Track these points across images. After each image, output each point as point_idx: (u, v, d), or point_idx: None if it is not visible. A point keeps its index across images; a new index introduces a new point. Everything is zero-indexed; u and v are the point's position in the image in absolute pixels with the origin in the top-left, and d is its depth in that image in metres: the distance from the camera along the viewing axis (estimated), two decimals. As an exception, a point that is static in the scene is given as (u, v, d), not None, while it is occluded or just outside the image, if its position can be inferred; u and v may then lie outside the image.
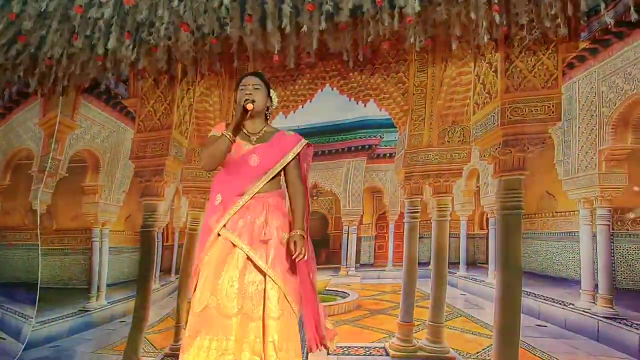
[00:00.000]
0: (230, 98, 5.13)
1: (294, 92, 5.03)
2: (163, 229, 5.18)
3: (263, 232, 2.68)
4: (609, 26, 3.92)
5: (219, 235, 2.69)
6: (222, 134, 2.70)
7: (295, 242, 2.62)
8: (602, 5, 3.82)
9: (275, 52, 4.25)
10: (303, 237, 2.67)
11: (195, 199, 5.09)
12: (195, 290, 2.66)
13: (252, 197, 2.72)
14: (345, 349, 4.31)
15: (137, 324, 4.98)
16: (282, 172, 2.84)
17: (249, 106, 2.71)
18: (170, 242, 5.17)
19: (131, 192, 5.37)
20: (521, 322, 3.96)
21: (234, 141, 2.72)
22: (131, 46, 4.67)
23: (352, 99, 4.86)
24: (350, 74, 4.85)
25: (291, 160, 2.82)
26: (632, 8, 3.73)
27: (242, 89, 2.81)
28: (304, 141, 2.88)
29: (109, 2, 4.60)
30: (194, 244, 4.95)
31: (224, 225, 2.69)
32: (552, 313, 3.97)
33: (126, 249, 5.32)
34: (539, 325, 3.98)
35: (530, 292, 4.02)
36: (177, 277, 5.02)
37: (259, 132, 2.86)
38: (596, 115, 4.02)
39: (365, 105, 4.85)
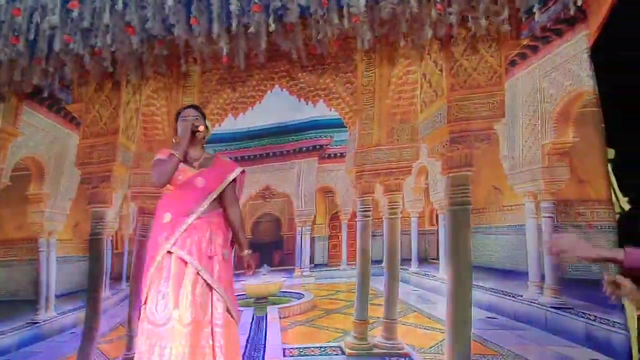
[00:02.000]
0: (178, 100, 5.06)
1: (243, 94, 5.00)
2: (112, 236, 5.06)
3: (209, 249, 3.00)
4: (548, 24, 4.05)
5: (169, 252, 2.96)
6: (172, 153, 3.01)
7: (249, 263, 3.17)
8: (536, 7, 3.94)
9: (224, 53, 4.19)
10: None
11: (144, 204, 4.99)
12: (147, 302, 2.93)
13: (198, 217, 3.02)
14: (301, 349, 4.31)
15: (88, 334, 4.84)
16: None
17: (201, 128, 3.14)
18: (120, 249, 5.06)
19: (78, 199, 5.21)
20: (472, 315, 4.03)
21: (181, 160, 3.03)
22: (75, 50, 4.54)
23: (302, 99, 4.86)
24: (299, 74, 4.86)
25: (230, 184, 3.17)
26: (571, 4, 3.86)
27: (183, 120, 3.16)
28: (240, 168, 3.26)
29: (54, 6, 4.46)
30: (144, 251, 4.87)
31: (174, 243, 2.96)
32: (501, 305, 4.06)
33: (75, 258, 5.17)
34: (489, 318, 4.06)
35: (480, 286, 4.10)
36: (128, 284, 4.92)
37: (199, 158, 3.19)
38: (538, 111, 4.13)
39: (314, 106, 4.86)
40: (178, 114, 3.27)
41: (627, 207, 3.84)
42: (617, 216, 3.86)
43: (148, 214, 4.95)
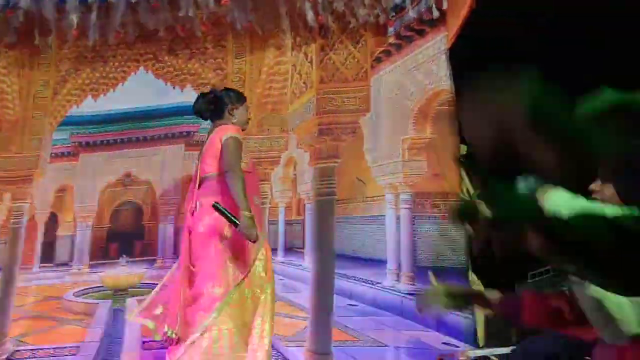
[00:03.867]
0: (32, 77, 4.67)
1: (104, 74, 4.70)
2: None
3: None
4: (412, 23, 4.24)
5: None
6: None
7: None
8: (408, 1, 4.12)
9: (75, 27, 3.92)
10: None
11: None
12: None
13: None
14: (160, 342, 4.17)
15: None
16: None
17: None
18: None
19: None
20: (334, 302, 4.13)
21: None
22: None
23: (169, 83, 4.68)
24: (166, 57, 4.66)
25: None
26: (433, 6, 4.06)
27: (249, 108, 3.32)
28: None
29: None
30: (17, 239, 4.46)
31: None
32: (362, 292, 4.21)
33: None
34: (350, 305, 4.19)
35: (342, 274, 4.22)
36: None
37: None
38: (400, 107, 4.31)
39: (182, 91, 4.70)
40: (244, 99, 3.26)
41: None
42: (468, 208, 4.14)
43: (21, 199, 4.53)
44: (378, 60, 4.40)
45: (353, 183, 4.40)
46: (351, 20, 4.27)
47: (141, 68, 4.69)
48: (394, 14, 4.33)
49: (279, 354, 4.07)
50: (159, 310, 3.01)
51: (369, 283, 4.21)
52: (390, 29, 4.37)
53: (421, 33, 4.29)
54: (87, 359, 4.01)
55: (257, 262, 3.01)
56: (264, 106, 4.66)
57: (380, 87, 4.39)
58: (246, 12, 4.23)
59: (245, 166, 3.03)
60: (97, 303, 4.47)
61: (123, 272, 4.55)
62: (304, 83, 4.53)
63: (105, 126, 4.74)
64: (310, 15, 4.16)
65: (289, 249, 4.57)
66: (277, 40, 4.56)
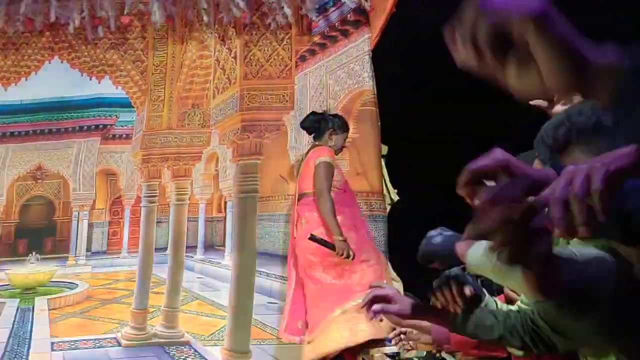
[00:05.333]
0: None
1: (16, 62, 4.44)
2: None
3: None
4: (336, 24, 4.29)
5: None
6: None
7: None
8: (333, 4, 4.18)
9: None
10: None
11: None
12: None
13: None
14: (71, 343, 4.01)
15: None
16: None
17: None
18: None
19: None
20: (254, 300, 4.10)
21: None
22: None
23: (85, 74, 4.50)
24: (83, 47, 4.46)
25: None
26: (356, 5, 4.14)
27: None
28: None
29: None
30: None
31: None
32: (282, 290, 4.19)
33: None
34: (270, 303, 4.17)
35: (263, 272, 4.20)
36: None
37: None
38: (324, 106, 4.34)
39: (99, 82, 4.52)
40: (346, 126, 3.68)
41: (396, 198, 4.23)
42: (388, 207, 4.23)
43: None
44: (303, 58, 4.42)
45: (276, 180, 4.39)
46: (274, 19, 4.26)
47: (56, 57, 4.48)
48: (317, 14, 4.36)
49: (196, 353, 4.01)
50: (300, 324, 3.47)
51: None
52: (316, 29, 4.40)
53: (345, 34, 4.35)
54: (-8, 360, 3.81)
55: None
56: (185, 100, 4.58)
57: (304, 86, 4.40)
58: (166, 4, 4.13)
59: (339, 184, 3.40)
60: (4, 302, 4.23)
61: (32, 270, 4.33)
62: (227, 78, 4.48)
63: (16, 116, 4.49)
64: (228, 9, 4.11)
65: (209, 247, 4.50)
66: (200, 33, 4.49)
